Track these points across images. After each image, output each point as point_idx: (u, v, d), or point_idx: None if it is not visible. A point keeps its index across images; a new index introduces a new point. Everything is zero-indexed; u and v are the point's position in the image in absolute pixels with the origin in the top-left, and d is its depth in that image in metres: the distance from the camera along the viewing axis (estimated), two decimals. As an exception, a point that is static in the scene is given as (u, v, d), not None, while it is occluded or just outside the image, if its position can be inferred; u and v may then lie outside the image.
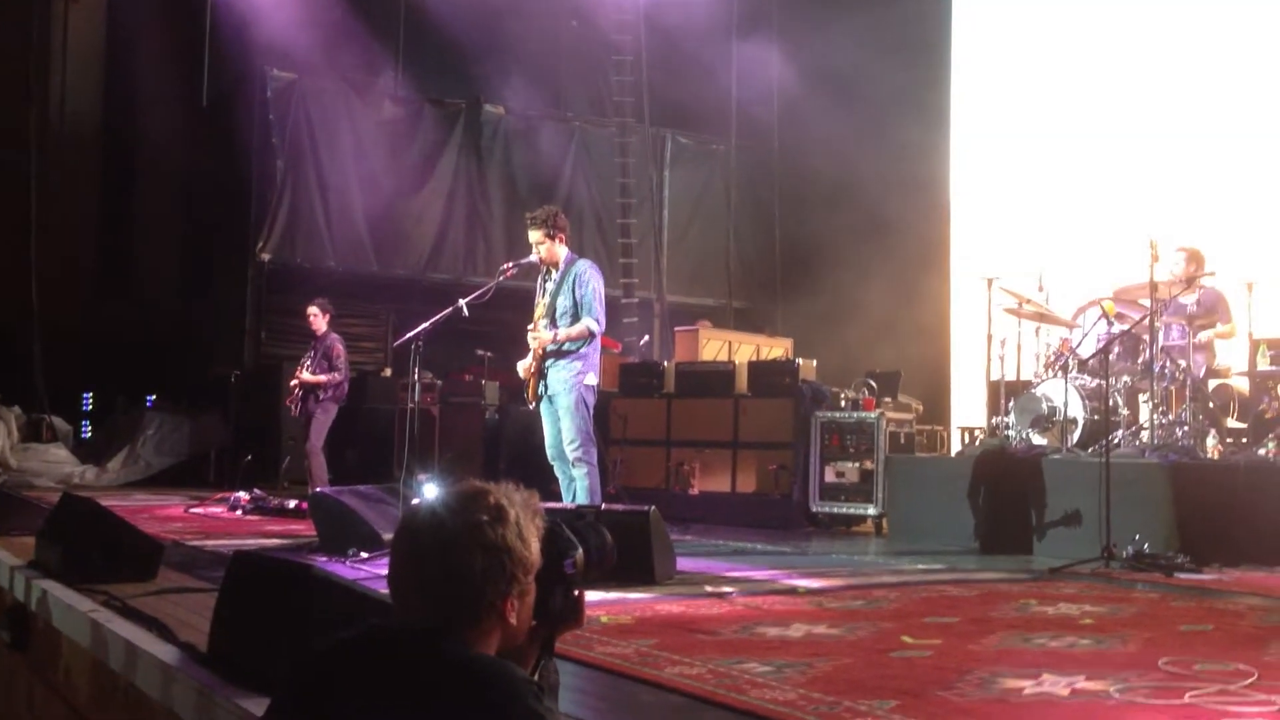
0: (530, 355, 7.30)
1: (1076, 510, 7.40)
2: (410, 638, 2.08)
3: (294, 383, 10.54)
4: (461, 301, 7.48)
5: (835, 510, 9.56)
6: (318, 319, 10.57)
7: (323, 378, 10.39)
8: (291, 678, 2.19)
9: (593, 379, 7.29)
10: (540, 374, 7.27)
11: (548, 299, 7.32)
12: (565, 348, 7.22)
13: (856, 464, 9.41)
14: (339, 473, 10.62)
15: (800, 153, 15.96)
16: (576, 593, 2.30)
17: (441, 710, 1.96)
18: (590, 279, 7.27)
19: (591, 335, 7.22)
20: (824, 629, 4.59)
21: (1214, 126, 10.77)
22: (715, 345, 11.88)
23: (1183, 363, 7.92)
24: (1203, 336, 8.30)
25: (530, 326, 7.34)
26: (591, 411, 7.31)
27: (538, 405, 7.36)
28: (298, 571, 3.53)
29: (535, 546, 2.18)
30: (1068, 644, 4.33)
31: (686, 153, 17.19)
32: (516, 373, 7.55)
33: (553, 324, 7.26)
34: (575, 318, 7.23)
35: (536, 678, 2.24)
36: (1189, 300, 8.24)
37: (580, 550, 2.29)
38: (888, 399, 10.20)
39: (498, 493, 2.17)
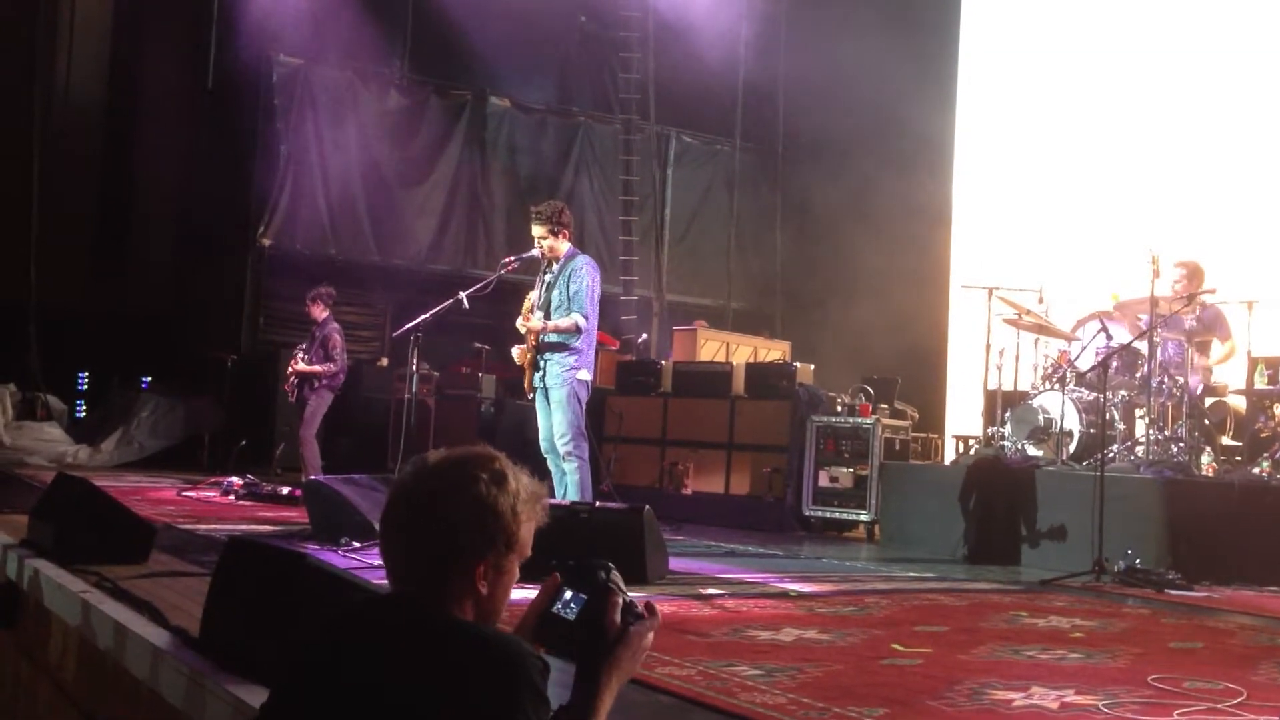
0: (525, 342, 7.31)
1: (1069, 523, 7.40)
2: (408, 607, 2.05)
3: (290, 371, 10.55)
4: (462, 294, 7.48)
5: (828, 515, 9.55)
6: (316, 308, 10.58)
7: (318, 367, 10.39)
8: (293, 660, 2.16)
9: (586, 374, 7.29)
10: (536, 365, 7.28)
11: (544, 292, 7.33)
12: (559, 341, 7.22)
13: (850, 469, 9.40)
14: (332, 461, 10.61)
15: (804, 156, 15.98)
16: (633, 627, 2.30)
17: (447, 680, 1.94)
18: (585, 275, 7.26)
19: (579, 329, 7.21)
20: (814, 634, 4.59)
21: (1219, 144, 10.78)
22: (713, 346, 11.88)
23: (1180, 379, 7.92)
24: (1208, 359, 8.32)
25: (522, 317, 7.33)
26: (584, 407, 7.31)
27: (534, 396, 7.37)
28: (292, 560, 3.52)
29: (528, 529, 2.14)
30: (1058, 657, 4.33)
31: (690, 152, 17.18)
32: (513, 362, 7.55)
33: (546, 317, 7.27)
34: (569, 312, 7.23)
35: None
36: (1189, 317, 8.25)
37: (626, 597, 2.29)
38: (884, 405, 10.21)
39: (505, 463, 2.13)
